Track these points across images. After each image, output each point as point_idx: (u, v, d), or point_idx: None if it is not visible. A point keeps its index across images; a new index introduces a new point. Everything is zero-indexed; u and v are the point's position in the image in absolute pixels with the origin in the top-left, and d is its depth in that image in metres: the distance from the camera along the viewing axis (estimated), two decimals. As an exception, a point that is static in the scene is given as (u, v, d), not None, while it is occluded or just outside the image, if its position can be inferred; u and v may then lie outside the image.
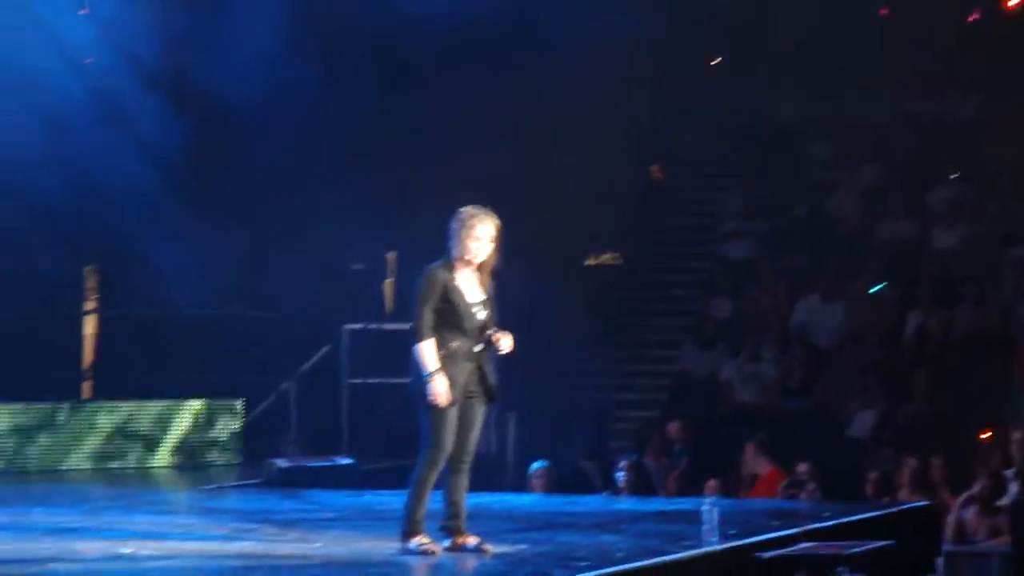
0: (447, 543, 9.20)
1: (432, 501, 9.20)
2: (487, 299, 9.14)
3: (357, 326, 16.14)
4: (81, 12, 16.43)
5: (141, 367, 16.42)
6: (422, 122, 18.16)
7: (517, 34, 18.12)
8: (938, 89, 20.20)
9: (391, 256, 18.64)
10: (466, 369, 9.07)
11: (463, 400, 9.07)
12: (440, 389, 8.92)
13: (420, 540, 9.08)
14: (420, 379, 8.99)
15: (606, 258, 20.87)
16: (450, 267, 9.09)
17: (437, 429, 9.00)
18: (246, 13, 16.33)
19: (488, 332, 9.10)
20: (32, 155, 15.49)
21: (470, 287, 9.11)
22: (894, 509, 11.47)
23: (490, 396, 9.18)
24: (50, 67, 16.13)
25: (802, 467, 14.47)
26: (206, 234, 16.98)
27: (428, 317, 8.99)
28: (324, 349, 16.41)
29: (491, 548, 9.24)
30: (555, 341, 18.07)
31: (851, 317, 18.15)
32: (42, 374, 16.02)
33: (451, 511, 9.19)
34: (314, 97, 16.89)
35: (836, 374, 17.49)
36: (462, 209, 9.16)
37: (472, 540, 9.22)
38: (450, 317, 9.03)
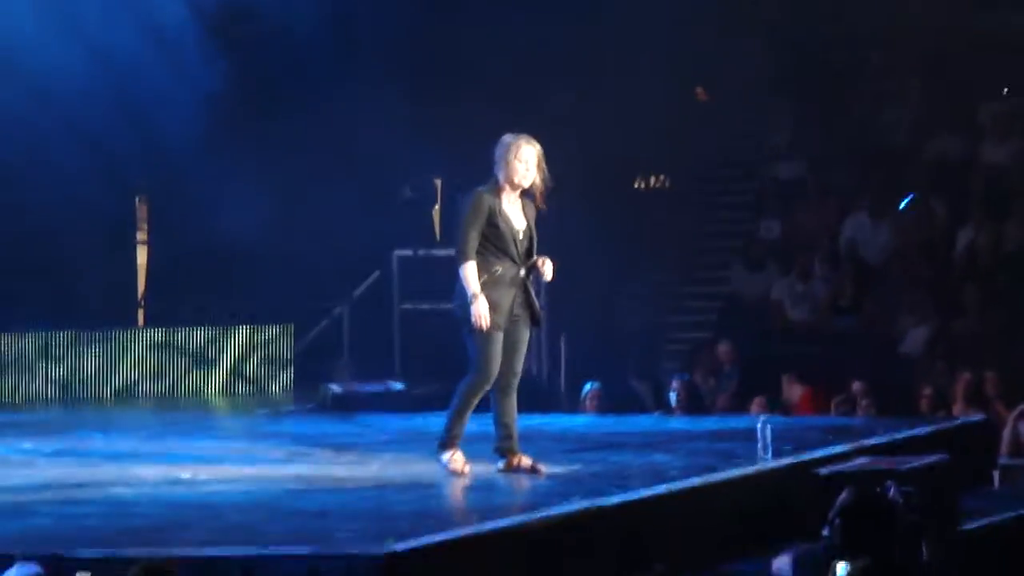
0: (501, 464, 9.29)
1: (485, 424, 9.28)
2: (530, 226, 9.18)
3: (407, 252, 16.18)
4: None
5: (193, 295, 16.53)
6: (471, 53, 18.10)
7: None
8: (992, 2, 19.99)
9: (438, 183, 18.66)
10: (510, 293, 9.11)
11: (508, 324, 9.12)
12: (482, 311, 8.98)
13: (451, 455, 9.18)
14: (464, 302, 9.02)
15: (653, 181, 20.83)
16: (496, 192, 9.13)
17: (482, 353, 9.06)
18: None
19: (532, 258, 9.15)
20: (81, 88, 15.55)
21: (515, 213, 9.17)
22: (948, 424, 11.47)
23: (535, 320, 9.25)
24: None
25: (855, 384, 14.47)
26: (258, 163, 17.04)
27: (472, 240, 9.04)
28: (375, 275, 16.46)
29: (544, 468, 9.32)
30: (605, 264, 18.08)
31: (899, 234, 18.08)
32: (96, 303, 16.15)
33: (503, 432, 9.27)
34: (367, 30, 16.88)
35: (886, 291, 17.45)
36: (505, 135, 9.19)
37: (526, 460, 9.30)
38: (495, 241, 9.09)
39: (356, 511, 8.35)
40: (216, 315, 15.78)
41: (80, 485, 9.25)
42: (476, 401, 9.20)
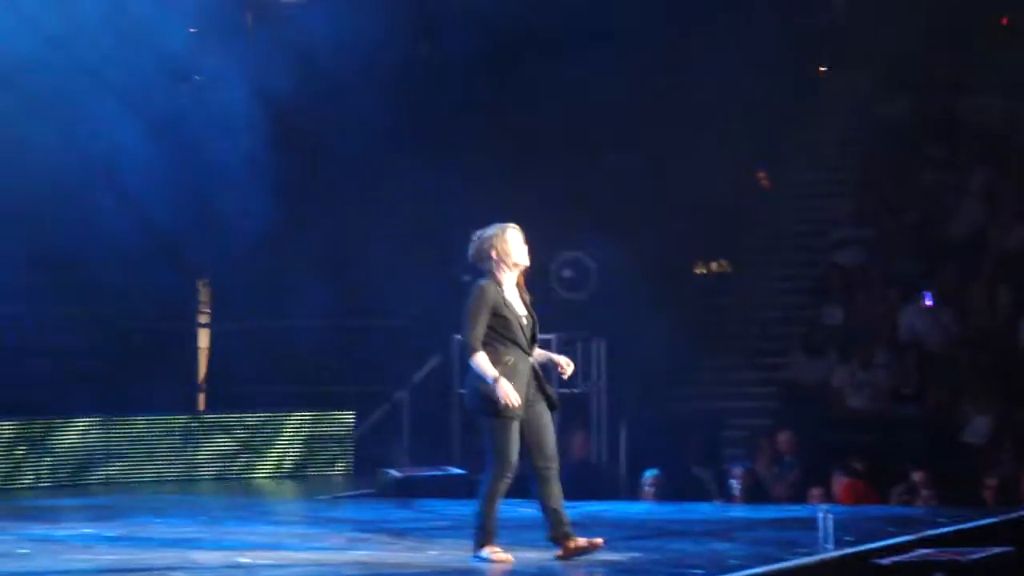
0: (559, 551, 9.24)
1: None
2: (531, 311, 9.25)
3: (467, 336, 16.17)
4: (191, 31, 16.68)
5: (254, 379, 16.60)
6: (536, 135, 18.20)
7: (635, 39, 18.14)
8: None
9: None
10: (523, 381, 9.14)
11: (526, 411, 9.12)
12: (508, 390, 8.98)
13: (491, 549, 9.16)
14: (477, 393, 9.06)
15: (716, 266, 20.80)
16: (496, 282, 9.17)
17: (500, 443, 9.07)
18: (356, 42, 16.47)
19: (536, 344, 9.18)
20: (145, 172, 15.72)
21: (516, 301, 9.24)
22: (1012, 515, 11.32)
23: (551, 404, 9.25)
24: (160, 83, 16.38)
25: (916, 474, 14.33)
26: (320, 248, 17.14)
27: (480, 330, 9.07)
28: (435, 359, 16.47)
29: (601, 540, 9.26)
30: (666, 349, 18.04)
31: (964, 322, 17.97)
32: (159, 387, 16.24)
33: (552, 520, 9.22)
34: (432, 123, 17.03)
35: (950, 379, 17.32)
36: (479, 234, 9.25)
37: (581, 540, 9.24)
38: (503, 331, 9.12)
39: (415, 599, 8.31)
40: (276, 399, 15.83)
41: (139, 571, 9.25)
42: (503, 491, 9.13)
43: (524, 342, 9.19)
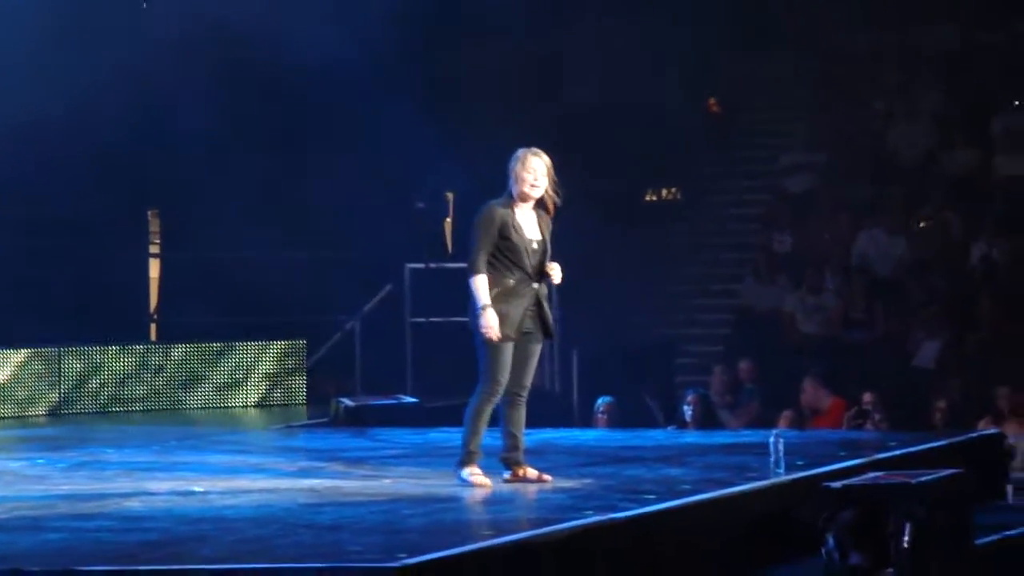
0: (507, 475, 9.31)
1: (493, 437, 9.29)
2: (545, 239, 9.20)
3: (419, 265, 16.20)
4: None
5: (205, 309, 16.55)
6: (485, 71, 18.14)
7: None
8: (1004, 17, 20.00)
9: (450, 196, 18.68)
10: (521, 306, 9.14)
11: (518, 337, 9.14)
12: (492, 322, 9.01)
13: (472, 470, 9.23)
14: (472, 312, 9.07)
15: (666, 193, 20.83)
16: (510, 205, 9.16)
17: (491, 364, 9.11)
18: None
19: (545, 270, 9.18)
20: (95, 100, 15.59)
21: (530, 226, 9.19)
22: (962, 438, 11.43)
23: (547, 333, 9.28)
24: (116, 13, 16.25)
25: (867, 397, 14.45)
26: (267, 175, 17.06)
27: (484, 252, 9.08)
28: (386, 288, 16.46)
29: (550, 478, 9.34)
30: (617, 277, 18.08)
31: (914, 248, 18.08)
32: (109, 317, 16.17)
33: (510, 443, 9.31)
34: (385, 47, 16.92)
35: (900, 305, 17.44)
36: (518, 149, 9.24)
37: (532, 471, 9.34)
38: (508, 254, 9.12)
39: (369, 525, 8.34)
40: (227, 330, 15.79)
41: (93, 499, 9.25)
42: (488, 413, 9.21)
43: (530, 268, 9.16)
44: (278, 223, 16.94)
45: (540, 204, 9.27)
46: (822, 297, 17.83)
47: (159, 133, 16.28)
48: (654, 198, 20.84)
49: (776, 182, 19.92)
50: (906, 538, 7.85)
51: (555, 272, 9.25)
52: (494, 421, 9.34)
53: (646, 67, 18.89)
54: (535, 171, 9.18)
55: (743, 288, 18.71)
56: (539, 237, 9.21)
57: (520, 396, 9.26)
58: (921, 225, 18.39)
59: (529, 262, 9.16)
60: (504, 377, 9.13)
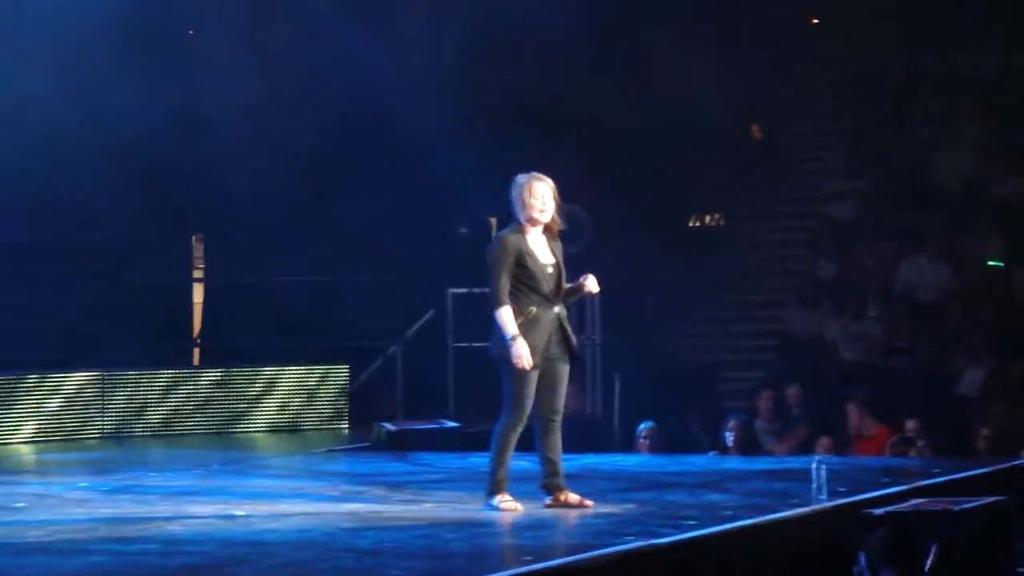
0: (549, 500, 9.33)
1: (532, 462, 9.30)
2: (559, 261, 9.24)
3: (462, 290, 16.22)
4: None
5: (248, 334, 16.62)
6: (528, 97, 18.19)
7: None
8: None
9: (494, 221, 18.69)
10: (546, 332, 9.17)
11: (544, 363, 9.15)
12: (523, 352, 9.04)
13: (502, 498, 9.25)
14: (501, 343, 9.13)
15: (710, 219, 20.81)
16: (520, 232, 9.20)
17: (518, 393, 9.16)
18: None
19: (564, 291, 9.20)
20: (141, 127, 15.70)
21: (542, 250, 9.25)
22: (1005, 465, 11.38)
23: (572, 354, 9.29)
24: (161, 39, 16.38)
25: (910, 424, 14.39)
26: (311, 200, 17.13)
27: (505, 284, 9.13)
28: (429, 313, 16.49)
29: (592, 503, 9.34)
30: (660, 303, 18.06)
31: (958, 275, 18.00)
32: (154, 342, 16.25)
33: (549, 469, 9.33)
34: (429, 70, 17.00)
35: (943, 332, 17.36)
36: (519, 176, 9.27)
37: (573, 496, 9.35)
38: (527, 281, 9.17)
39: (410, 550, 8.35)
40: (270, 354, 15.85)
41: (136, 522, 9.29)
42: (514, 441, 9.24)
43: (548, 292, 9.20)
44: (321, 248, 17.00)
45: (546, 228, 9.32)
46: (865, 324, 17.77)
47: (203, 158, 16.37)
48: (697, 224, 20.81)
49: (820, 208, 19.87)
50: (930, 560, 7.83)
51: (591, 283, 9.29)
52: (531, 446, 9.36)
53: (689, 92, 18.89)
54: (542, 196, 9.25)
55: (786, 314, 18.66)
56: (552, 260, 9.28)
57: (554, 421, 9.28)
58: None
59: (547, 286, 9.22)
60: (528, 404, 9.16)
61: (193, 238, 18.16)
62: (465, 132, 16.89)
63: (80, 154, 15.75)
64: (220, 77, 16.37)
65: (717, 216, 20.72)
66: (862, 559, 7.27)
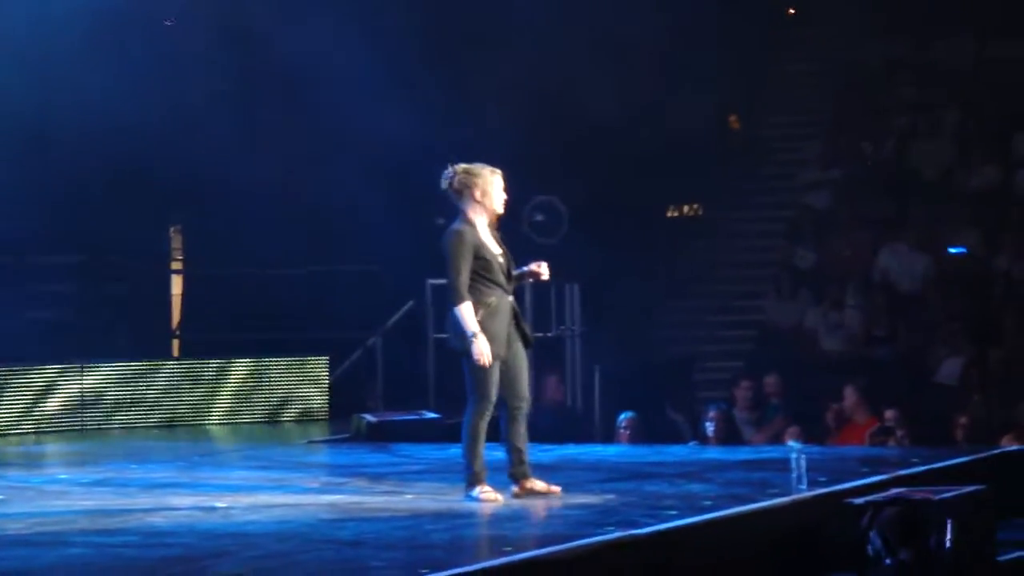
0: (515, 488, 9.35)
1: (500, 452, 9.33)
2: (504, 249, 9.28)
3: (441, 280, 16.19)
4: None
5: (227, 325, 16.59)
6: (505, 85, 18.17)
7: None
8: (1021, 32, 19.99)
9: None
10: (505, 322, 9.22)
11: (506, 350, 9.17)
12: (484, 349, 9.06)
13: (481, 488, 9.26)
14: (461, 337, 9.13)
15: (688, 209, 20.84)
16: (471, 224, 9.19)
17: (482, 382, 9.20)
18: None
19: (514, 278, 9.23)
20: (117, 117, 15.66)
21: (490, 240, 9.28)
22: (984, 454, 11.41)
23: (526, 342, 9.34)
24: (134, 26, 16.31)
25: (889, 413, 14.43)
26: (289, 191, 17.10)
27: (465, 278, 9.14)
28: (409, 304, 16.48)
29: (558, 489, 9.36)
30: (639, 293, 18.07)
31: (936, 264, 18.05)
32: (132, 334, 16.21)
33: (515, 458, 9.37)
34: (408, 61, 16.98)
35: (922, 321, 17.41)
36: (465, 168, 9.23)
37: (539, 484, 9.36)
38: (484, 273, 9.20)
39: (390, 541, 8.36)
40: (249, 345, 15.82)
41: (116, 514, 9.28)
42: (484, 427, 9.26)
43: (504, 281, 9.24)
44: (300, 239, 16.97)
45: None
46: (844, 313, 17.81)
47: (180, 149, 16.34)
48: (676, 214, 20.83)
49: (798, 198, 19.90)
50: (949, 536, 7.87)
51: (544, 269, 9.36)
52: (498, 436, 9.37)
53: (666, 84, 18.90)
54: (499, 188, 9.22)
55: (765, 304, 18.69)
56: (500, 250, 9.31)
57: (520, 409, 9.32)
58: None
59: (503, 277, 9.23)
60: (493, 391, 9.19)
61: (171, 229, 18.11)
62: (442, 123, 16.87)
63: (55, 145, 15.70)
64: (197, 68, 16.32)
65: (695, 206, 20.74)
66: (876, 540, 7.28)
